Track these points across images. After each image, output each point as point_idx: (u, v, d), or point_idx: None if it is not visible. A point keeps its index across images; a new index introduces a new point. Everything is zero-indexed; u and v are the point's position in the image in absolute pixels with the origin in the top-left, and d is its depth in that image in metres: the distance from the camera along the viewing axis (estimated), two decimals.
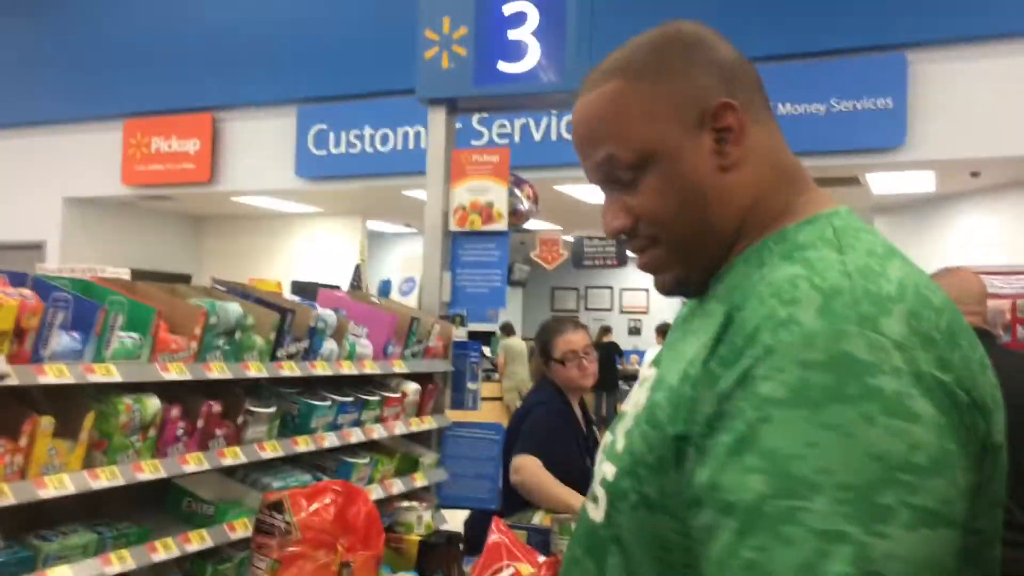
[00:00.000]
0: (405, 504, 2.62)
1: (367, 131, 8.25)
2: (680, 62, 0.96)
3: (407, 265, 3.40)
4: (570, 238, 12.54)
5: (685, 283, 1.01)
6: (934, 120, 6.49)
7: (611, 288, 17.53)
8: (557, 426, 3.24)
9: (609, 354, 12.88)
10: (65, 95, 9.24)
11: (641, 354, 14.52)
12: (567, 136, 7.33)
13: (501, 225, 3.21)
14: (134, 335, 2.05)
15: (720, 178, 0.95)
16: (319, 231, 10.88)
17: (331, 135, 8.40)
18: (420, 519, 2.53)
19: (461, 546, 2.39)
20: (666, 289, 1.02)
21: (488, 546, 1.71)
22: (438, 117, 3.23)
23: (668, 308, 16.66)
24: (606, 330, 15.07)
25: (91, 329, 1.94)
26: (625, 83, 0.96)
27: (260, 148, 8.68)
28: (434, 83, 3.21)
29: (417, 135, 7.99)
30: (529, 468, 3.08)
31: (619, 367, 13.34)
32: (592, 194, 8.59)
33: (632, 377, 12.58)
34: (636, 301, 17.43)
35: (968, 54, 6.44)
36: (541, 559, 1.61)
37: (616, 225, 0.99)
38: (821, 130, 6.64)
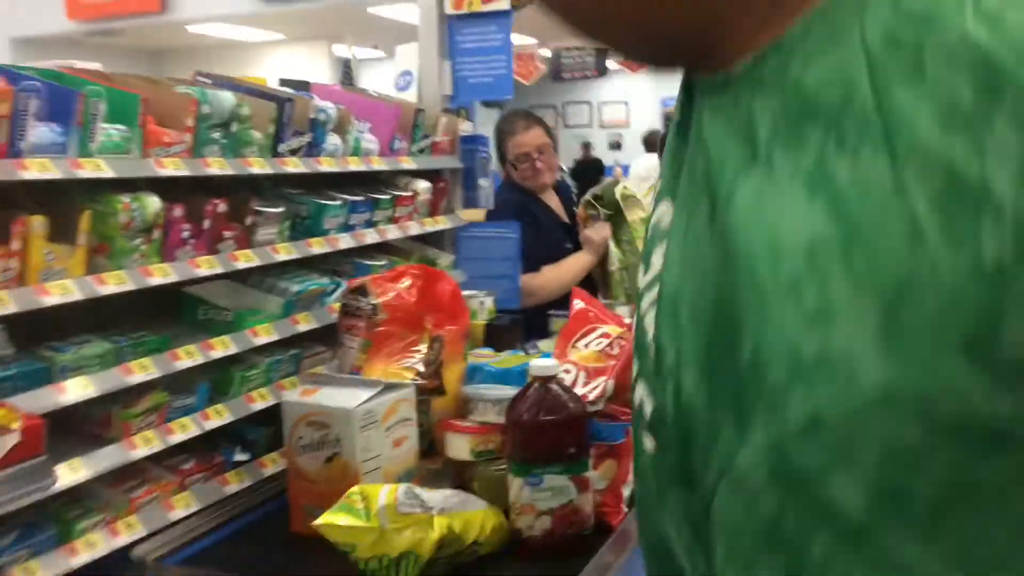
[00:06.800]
0: (466, 293, 2.50)
1: None
2: None
3: (403, 57, 3.10)
4: (547, 52, 11.99)
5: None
6: None
7: (589, 103, 17.03)
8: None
9: (591, 170, 12.63)
10: None
11: (625, 167, 14.30)
12: None
13: (503, 4, 2.91)
14: (120, 127, 1.80)
15: None
16: (283, 59, 10.30)
17: None
18: (483, 304, 2.63)
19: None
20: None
21: (574, 313, 1.85)
22: None
23: (650, 119, 16.31)
24: (586, 146, 14.73)
25: (71, 120, 1.69)
26: None
27: None
28: None
29: None
30: (544, 285, 3.07)
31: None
32: None
33: None
34: (616, 115, 17.00)
35: None
36: (627, 321, 1.55)
37: None
38: None
